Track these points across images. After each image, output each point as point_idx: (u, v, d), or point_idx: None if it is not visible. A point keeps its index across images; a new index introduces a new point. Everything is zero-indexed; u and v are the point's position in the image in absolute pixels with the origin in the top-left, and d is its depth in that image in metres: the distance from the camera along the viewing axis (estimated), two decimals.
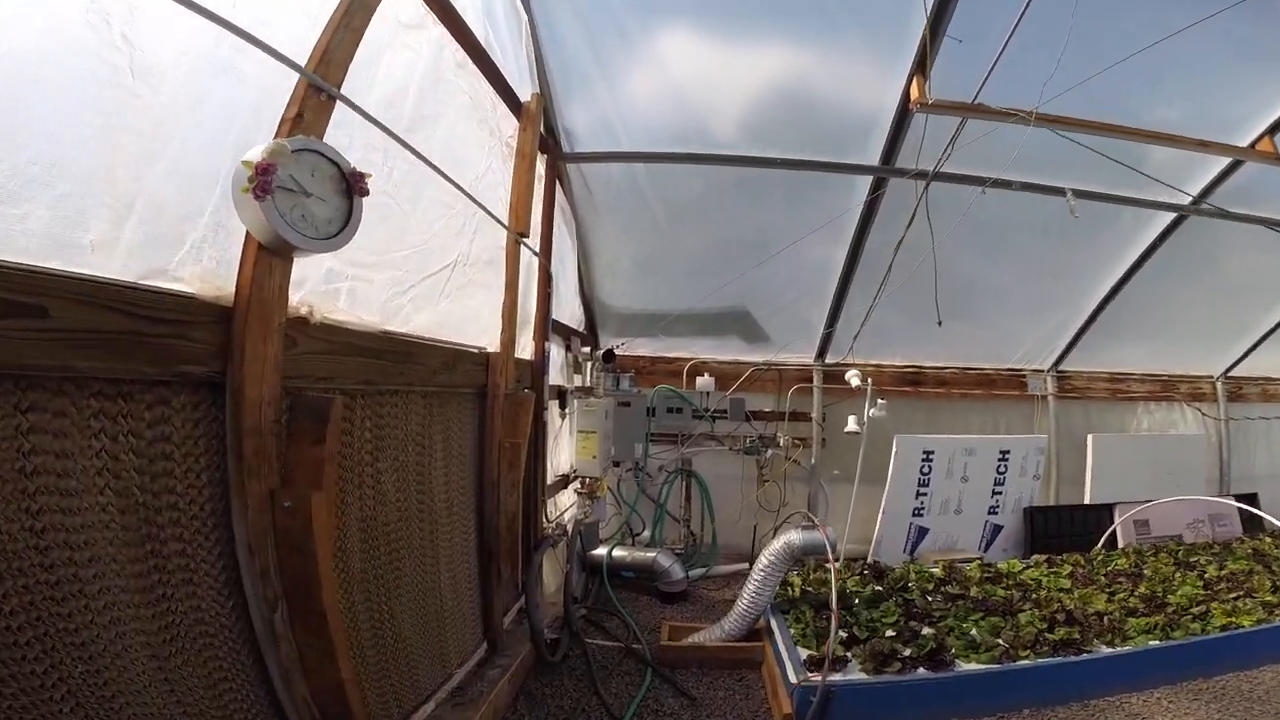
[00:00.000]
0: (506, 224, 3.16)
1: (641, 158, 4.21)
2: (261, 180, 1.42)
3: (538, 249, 3.76)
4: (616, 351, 5.41)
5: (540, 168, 3.78)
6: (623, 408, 5.32)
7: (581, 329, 5.34)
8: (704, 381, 5.50)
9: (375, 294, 2.08)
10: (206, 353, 1.41)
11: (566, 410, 4.63)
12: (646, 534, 5.45)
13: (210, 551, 1.46)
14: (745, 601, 3.52)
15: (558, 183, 4.16)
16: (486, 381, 2.89)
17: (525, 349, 3.63)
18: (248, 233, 1.50)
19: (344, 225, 1.65)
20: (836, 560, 3.35)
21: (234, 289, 1.48)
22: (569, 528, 4.29)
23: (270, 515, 1.48)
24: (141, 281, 1.33)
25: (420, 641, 2.44)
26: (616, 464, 5.36)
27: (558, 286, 4.23)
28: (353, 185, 1.67)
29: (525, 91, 3.39)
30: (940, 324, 4.25)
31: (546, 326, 3.93)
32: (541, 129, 3.55)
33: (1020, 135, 3.44)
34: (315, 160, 1.59)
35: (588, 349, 5.49)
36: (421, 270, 2.37)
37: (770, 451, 5.48)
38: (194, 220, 1.48)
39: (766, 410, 5.68)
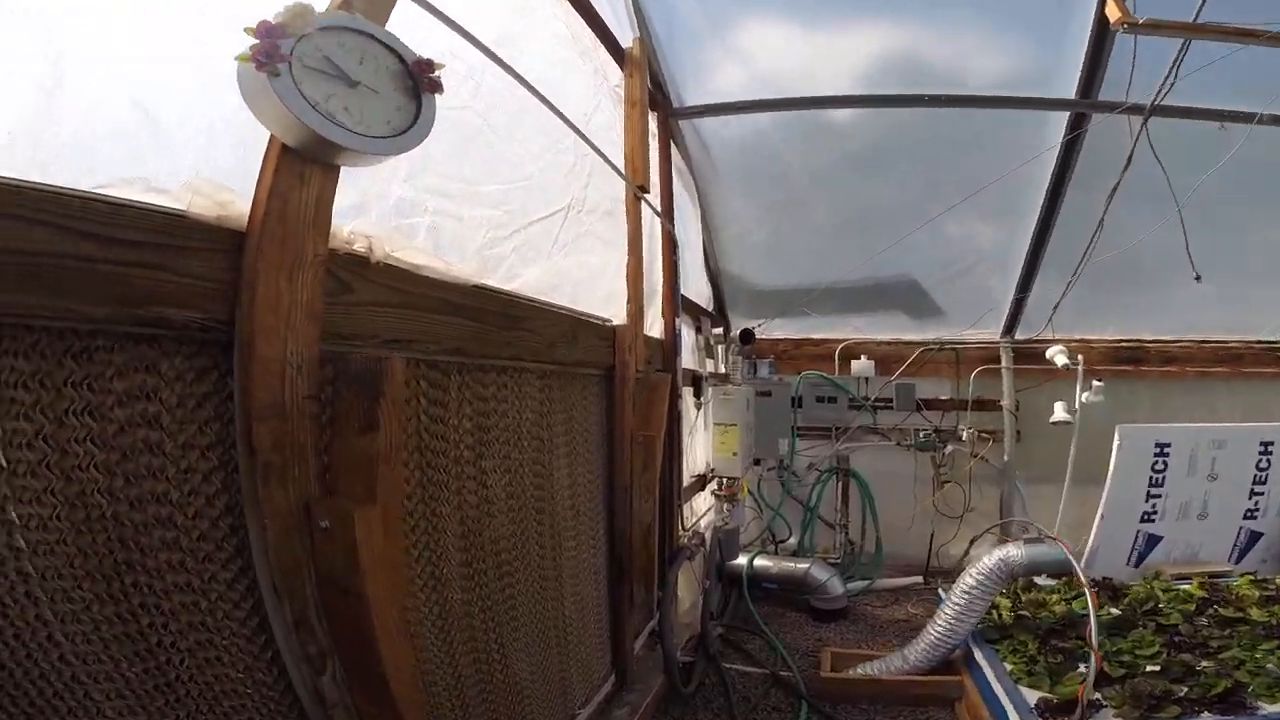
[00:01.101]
0: (624, 174, 2.60)
1: (775, 105, 3.52)
2: (266, 45, 0.93)
3: (658, 207, 3.19)
4: (755, 333, 4.72)
5: (651, 124, 3.20)
6: (763, 398, 4.62)
7: (710, 308, 4.72)
8: (861, 365, 4.68)
9: (466, 237, 1.58)
10: (200, 293, 0.94)
11: (702, 400, 4.01)
12: (793, 541, 4.74)
13: (231, 587, 1.00)
14: (940, 628, 2.76)
15: (671, 143, 3.58)
16: (614, 360, 2.34)
17: (652, 326, 3.06)
18: (271, 137, 1.02)
19: (410, 125, 1.15)
20: (1090, 584, 2.52)
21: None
22: (706, 536, 3.70)
23: (306, 539, 0.99)
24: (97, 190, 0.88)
25: (537, 682, 1.93)
26: (757, 462, 4.68)
27: (681, 257, 3.65)
28: (418, 79, 1.16)
29: (625, 38, 2.83)
30: (1199, 278, 3.24)
31: (676, 300, 3.35)
32: (648, 83, 2.98)
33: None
34: (363, 44, 1.09)
35: (718, 330, 4.85)
36: (525, 212, 1.86)
37: (950, 447, 4.55)
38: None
39: (942, 398, 4.74)
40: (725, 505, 4.25)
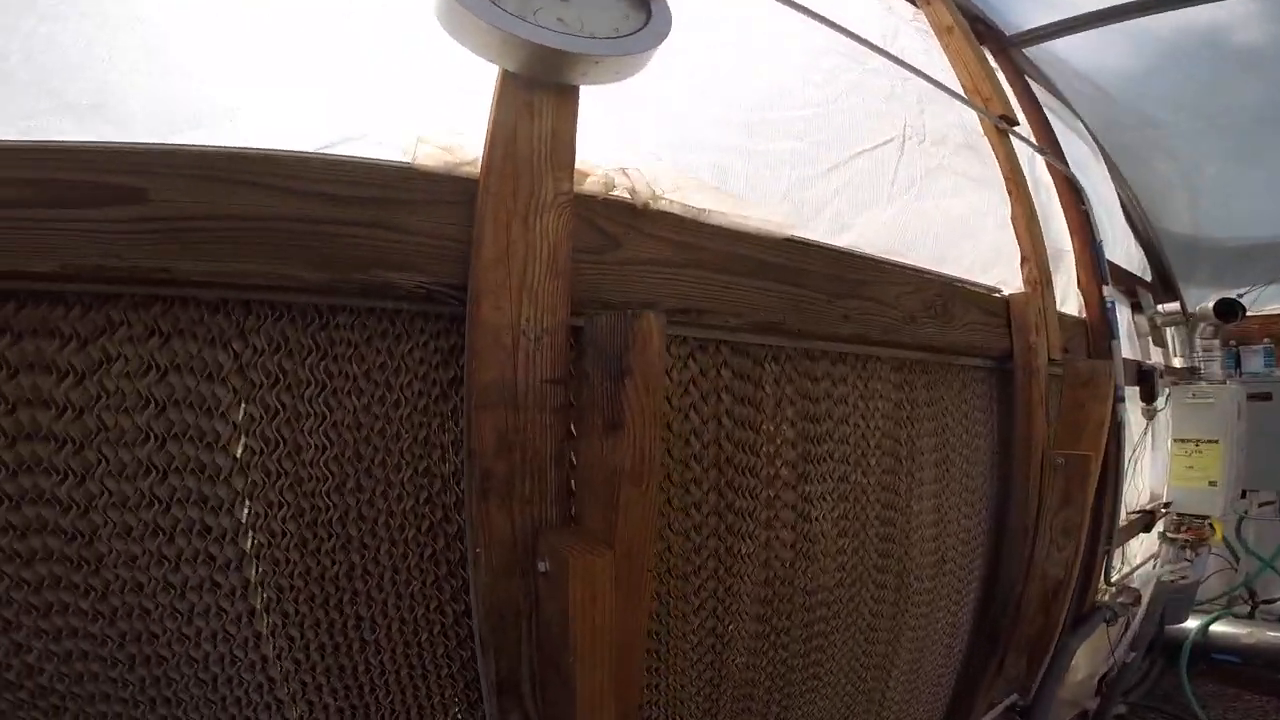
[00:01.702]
0: (973, 103, 1.86)
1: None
2: None
3: (1035, 142, 2.27)
4: (1237, 304, 3.16)
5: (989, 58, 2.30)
6: (1258, 402, 3.12)
7: (1143, 275, 3.37)
8: None
9: (766, 177, 1.16)
10: (427, 253, 0.75)
11: (1155, 404, 2.79)
12: None
13: (446, 633, 0.79)
14: None
15: (1028, 79, 2.58)
16: (1010, 344, 1.64)
17: (1063, 301, 2.17)
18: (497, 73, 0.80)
19: (641, 28, 0.82)
20: None
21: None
22: (1143, 594, 2.56)
23: (529, 582, 0.72)
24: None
25: None
26: (1243, 495, 3.15)
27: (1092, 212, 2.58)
28: None
29: None
30: None
31: (1098, 261, 2.36)
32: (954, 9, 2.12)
33: None
34: None
35: (1169, 307, 3.42)
36: (844, 142, 1.35)
37: None
38: None
39: None
40: (1182, 553, 2.95)
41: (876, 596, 1.39)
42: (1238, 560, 3.24)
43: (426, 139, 0.78)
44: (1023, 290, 1.76)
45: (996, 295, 1.69)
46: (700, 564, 1.06)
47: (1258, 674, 2.85)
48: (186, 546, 0.75)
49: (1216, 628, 2.92)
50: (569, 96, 0.82)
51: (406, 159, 0.77)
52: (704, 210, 0.98)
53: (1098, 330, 2.25)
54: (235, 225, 0.68)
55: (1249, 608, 3.12)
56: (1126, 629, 2.55)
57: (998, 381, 1.70)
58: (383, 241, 0.74)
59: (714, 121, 1.11)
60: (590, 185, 0.87)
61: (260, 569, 0.79)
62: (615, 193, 0.90)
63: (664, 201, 0.94)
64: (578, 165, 0.84)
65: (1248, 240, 3.26)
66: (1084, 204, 2.43)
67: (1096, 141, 3.03)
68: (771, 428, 1.13)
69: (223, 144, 0.70)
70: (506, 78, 0.78)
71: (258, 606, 0.77)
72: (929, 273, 1.42)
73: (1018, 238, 1.89)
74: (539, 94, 0.79)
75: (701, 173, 1.04)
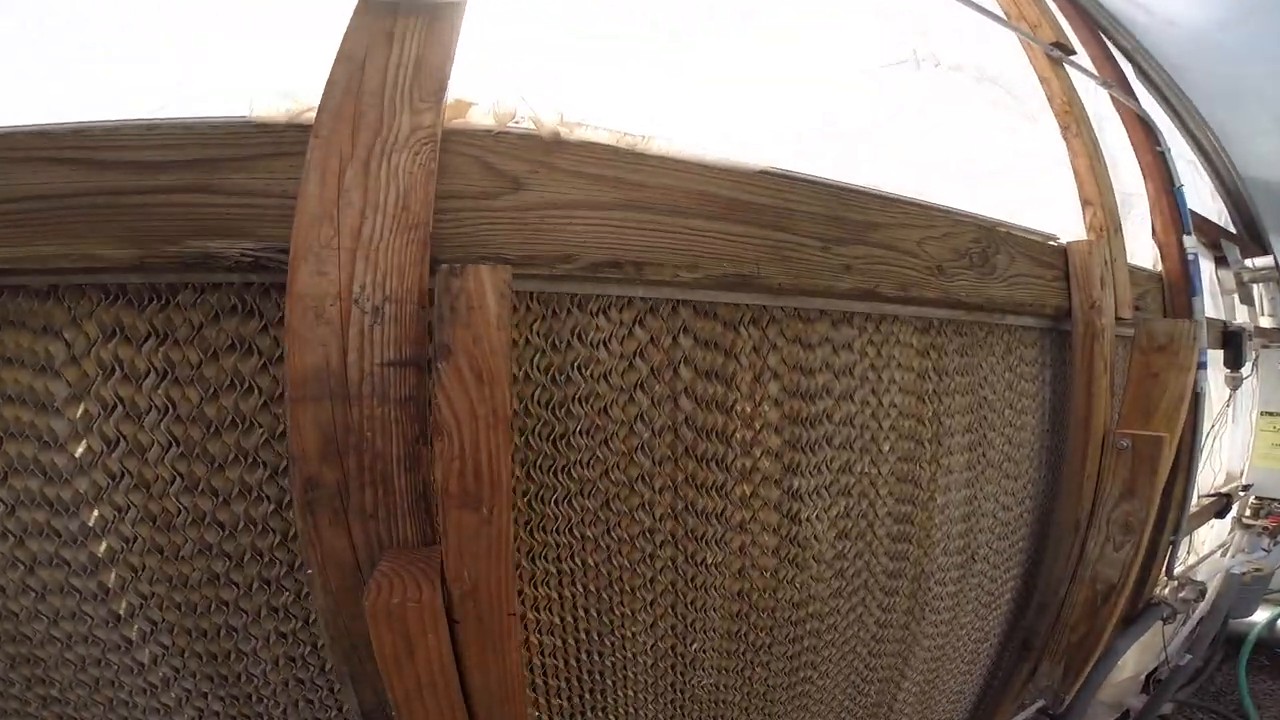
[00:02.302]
0: (1015, 27, 1.53)
1: None
2: None
3: (1097, 73, 1.88)
4: None
5: None
6: None
7: (1229, 226, 2.94)
8: None
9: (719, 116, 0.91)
10: (257, 216, 0.55)
11: (1241, 371, 2.41)
12: None
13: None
14: None
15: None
16: (1069, 300, 1.35)
17: (1134, 254, 1.83)
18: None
19: None
20: None
21: None
22: (1209, 587, 2.27)
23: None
24: None
25: None
26: None
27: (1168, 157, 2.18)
28: None
29: None
30: None
31: (1179, 210, 2.01)
32: None
33: None
34: None
35: (1260, 262, 2.97)
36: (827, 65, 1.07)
37: None
38: None
39: None
40: (1259, 541, 2.63)
41: (885, 605, 1.17)
42: None
43: (273, 90, 0.59)
44: (1084, 240, 1.46)
45: (1053, 244, 1.40)
46: (653, 576, 0.86)
47: None
48: (39, 550, 0.70)
49: None
50: (444, 17, 0.60)
51: (247, 113, 0.58)
52: (646, 138, 0.74)
53: (1176, 286, 1.92)
54: (34, 206, 0.57)
55: None
56: (1186, 625, 2.27)
57: (1051, 345, 1.43)
58: (201, 208, 0.57)
59: (620, 35, 0.85)
60: (479, 117, 0.65)
61: (118, 575, 0.72)
62: (517, 124, 0.67)
63: (587, 130, 0.71)
64: (461, 96, 0.63)
65: None
66: (1159, 144, 2.07)
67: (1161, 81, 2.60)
68: (748, 408, 0.90)
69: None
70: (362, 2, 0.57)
71: (122, 611, 0.72)
72: (961, 213, 1.14)
73: (1078, 180, 1.59)
74: (403, 19, 0.58)
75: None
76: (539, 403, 0.75)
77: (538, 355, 0.74)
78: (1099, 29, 2.24)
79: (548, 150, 0.69)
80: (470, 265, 0.51)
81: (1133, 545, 1.39)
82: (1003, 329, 1.29)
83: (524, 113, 0.68)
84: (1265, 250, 3.09)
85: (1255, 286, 2.99)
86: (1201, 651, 2.41)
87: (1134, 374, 1.38)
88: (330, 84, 0.59)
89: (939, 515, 1.21)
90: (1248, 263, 2.97)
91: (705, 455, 0.87)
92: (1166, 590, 2.07)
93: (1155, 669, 2.25)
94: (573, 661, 0.85)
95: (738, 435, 0.89)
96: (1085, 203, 1.58)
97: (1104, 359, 1.32)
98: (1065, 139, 1.60)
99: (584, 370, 0.76)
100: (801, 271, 0.88)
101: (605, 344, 0.77)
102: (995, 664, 1.53)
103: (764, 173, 0.83)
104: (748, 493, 0.92)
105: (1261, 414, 2.51)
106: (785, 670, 1.05)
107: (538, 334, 0.74)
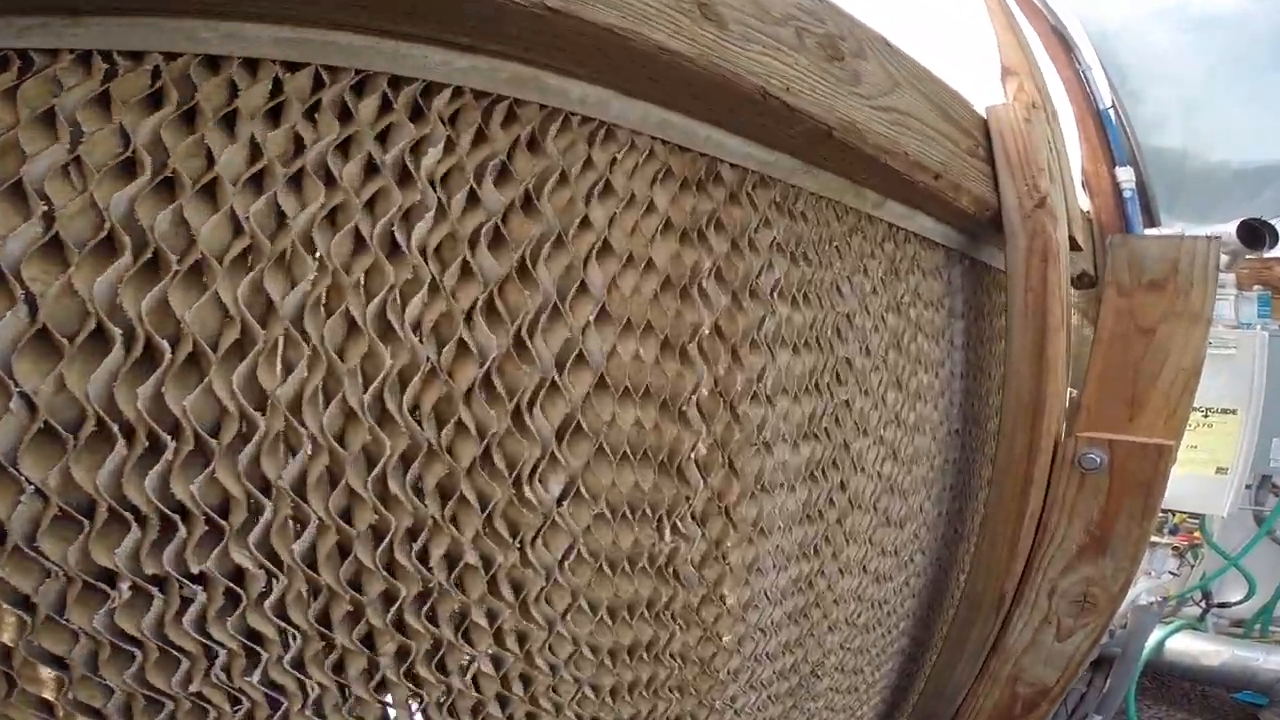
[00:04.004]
0: None
1: None
2: None
3: None
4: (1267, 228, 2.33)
5: None
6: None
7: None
8: None
9: None
10: None
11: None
12: (1242, 606, 2.37)
13: None
14: None
15: None
16: (995, 192, 0.73)
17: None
18: None
19: None
20: None
21: None
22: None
23: None
24: None
25: None
26: (1248, 486, 2.44)
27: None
28: None
29: None
30: None
31: (1108, 135, 1.55)
32: None
33: None
34: None
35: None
36: None
37: None
38: None
39: None
40: (1166, 562, 2.28)
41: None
42: (1195, 557, 2.55)
43: None
44: (1013, 107, 0.87)
45: (967, 104, 0.78)
46: None
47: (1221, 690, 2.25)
48: None
49: (1179, 644, 2.22)
50: None
51: None
52: None
53: (1110, 228, 1.43)
54: None
55: (1202, 610, 2.44)
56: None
57: (966, 279, 0.82)
58: None
59: None
60: None
61: None
62: None
63: None
64: None
65: (1246, 164, 2.46)
66: (1079, 62, 1.62)
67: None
68: None
69: None
70: None
71: None
72: None
73: (998, 44, 1.05)
74: None
75: None
76: None
77: None
78: None
79: None
80: None
81: (1089, 633, 0.79)
82: (881, 227, 0.66)
83: None
84: (1152, 221, 2.76)
85: None
86: (1110, 714, 1.96)
87: (1107, 331, 0.77)
88: None
89: (732, 615, 0.55)
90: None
91: None
92: None
93: None
94: None
95: None
96: (1008, 72, 1.03)
97: (1060, 299, 0.70)
98: None
99: None
100: None
101: None
102: None
103: None
104: None
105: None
106: None
107: None
